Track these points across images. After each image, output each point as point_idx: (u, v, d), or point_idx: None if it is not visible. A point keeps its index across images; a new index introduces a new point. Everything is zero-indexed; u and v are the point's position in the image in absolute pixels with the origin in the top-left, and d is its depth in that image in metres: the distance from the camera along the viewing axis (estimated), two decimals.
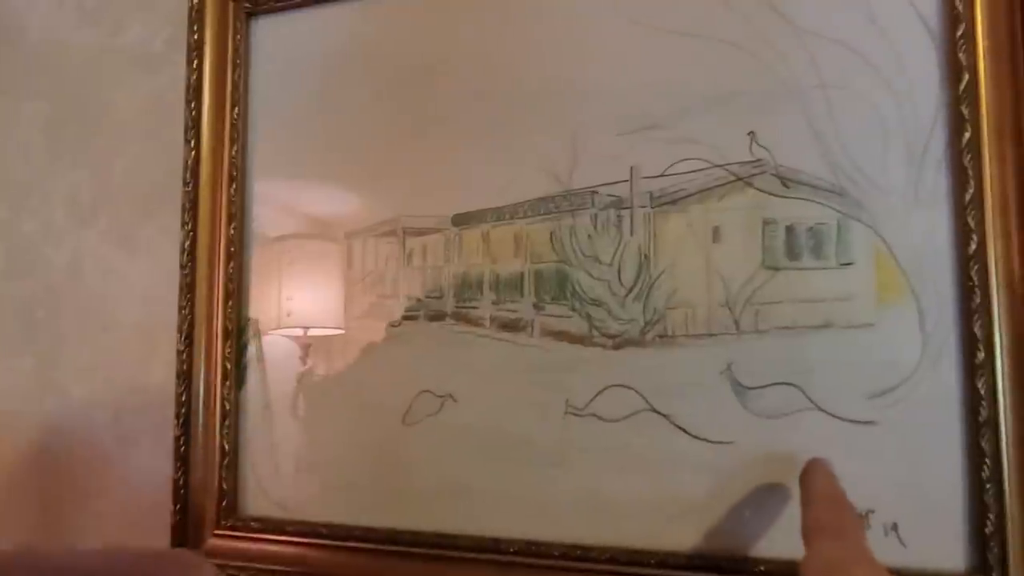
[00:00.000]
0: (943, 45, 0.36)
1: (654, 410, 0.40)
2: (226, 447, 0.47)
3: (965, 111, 0.35)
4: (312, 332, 0.47)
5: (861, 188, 0.37)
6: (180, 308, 0.49)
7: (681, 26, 0.40)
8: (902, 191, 0.36)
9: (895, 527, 0.36)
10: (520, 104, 0.43)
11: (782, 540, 0.37)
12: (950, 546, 0.35)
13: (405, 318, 0.45)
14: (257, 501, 0.47)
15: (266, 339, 0.48)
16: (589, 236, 0.41)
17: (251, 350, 0.48)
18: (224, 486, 0.47)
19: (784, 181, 0.38)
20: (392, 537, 0.43)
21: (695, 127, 0.40)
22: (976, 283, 0.35)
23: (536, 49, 0.43)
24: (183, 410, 0.48)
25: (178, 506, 0.48)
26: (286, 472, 0.46)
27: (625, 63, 0.41)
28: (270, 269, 0.48)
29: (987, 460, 0.34)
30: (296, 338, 0.47)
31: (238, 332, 0.48)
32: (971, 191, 0.35)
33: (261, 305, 0.48)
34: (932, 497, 0.35)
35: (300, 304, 0.48)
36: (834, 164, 0.38)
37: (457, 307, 0.44)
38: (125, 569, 0.32)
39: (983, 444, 0.34)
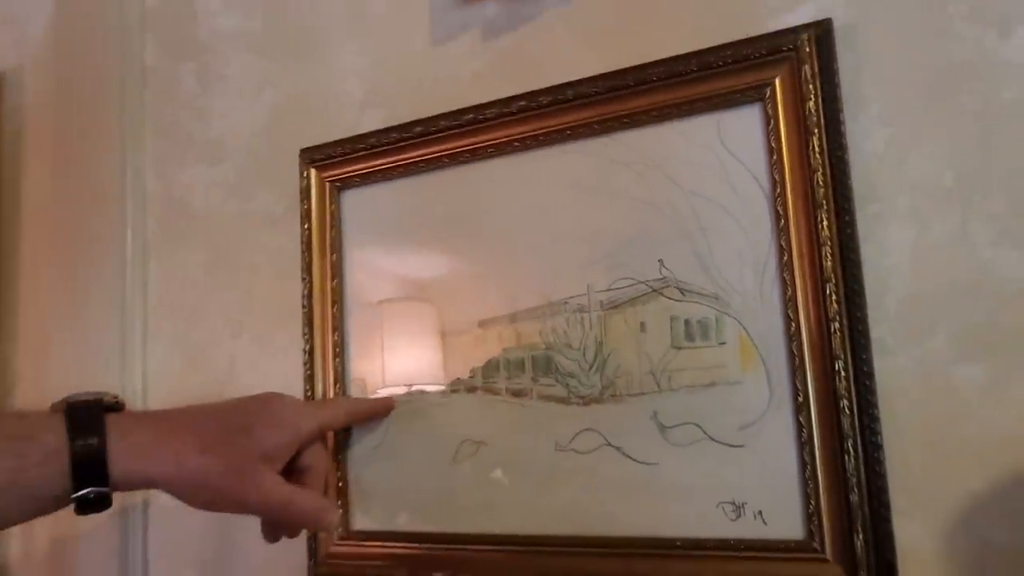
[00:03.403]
0: (770, 199, 0.58)
1: (610, 444, 0.62)
2: (341, 484, 0.72)
3: (783, 243, 0.57)
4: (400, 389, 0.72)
5: (728, 294, 0.59)
6: (304, 393, 0.74)
7: (614, 191, 0.64)
8: (752, 295, 0.58)
9: (760, 513, 0.57)
10: (519, 246, 0.67)
11: (701, 524, 0.59)
12: (793, 523, 0.55)
13: (452, 391, 0.69)
14: (362, 520, 0.72)
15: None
16: (564, 331, 0.65)
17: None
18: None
19: (682, 291, 0.61)
20: (449, 538, 0.67)
21: (626, 257, 0.63)
22: (796, 354, 0.56)
23: (526, 209, 0.67)
24: None
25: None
26: (380, 498, 0.71)
27: (582, 217, 0.65)
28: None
29: (808, 466, 0.55)
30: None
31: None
32: (789, 294, 0.57)
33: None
34: (780, 492, 0.56)
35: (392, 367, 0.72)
36: (712, 279, 0.60)
37: (482, 383, 0.68)
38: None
39: (804, 456, 0.55)
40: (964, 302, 0.54)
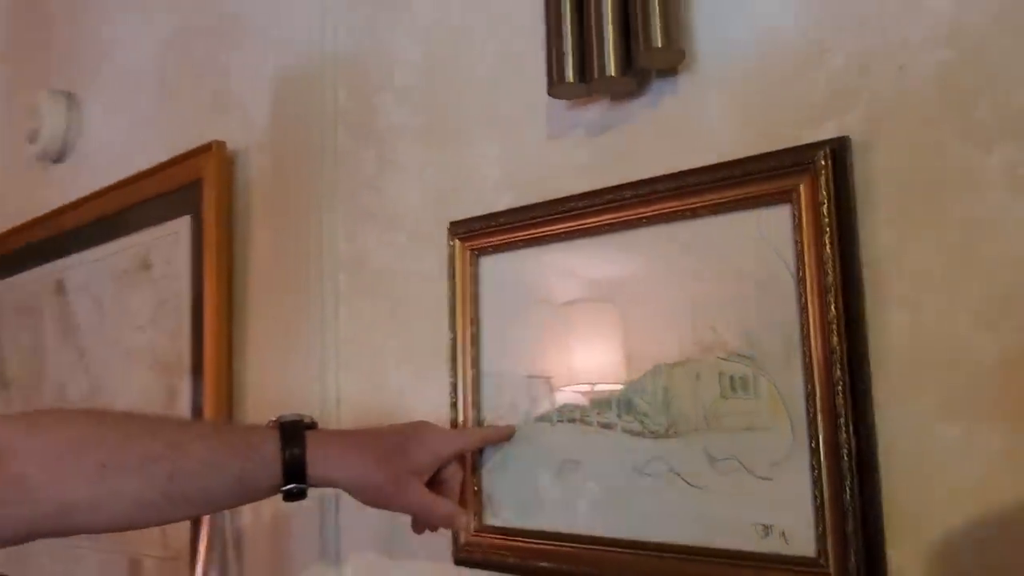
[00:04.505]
0: (795, 282, 0.73)
1: (673, 471, 0.80)
2: (476, 489, 0.94)
3: (803, 319, 0.72)
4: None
5: (763, 357, 0.74)
6: (450, 417, 0.97)
7: (677, 269, 0.81)
8: (781, 360, 0.73)
9: (783, 534, 0.73)
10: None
11: (738, 539, 0.75)
12: (807, 543, 0.71)
13: (559, 421, 0.89)
14: (490, 518, 0.93)
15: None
16: (640, 379, 0.83)
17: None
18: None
19: (728, 352, 0.77)
20: (553, 536, 0.87)
21: (686, 322, 0.80)
22: (811, 409, 0.71)
23: (612, 281, 0.86)
24: None
25: None
26: (503, 502, 0.92)
27: (654, 290, 0.83)
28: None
29: (818, 498, 0.70)
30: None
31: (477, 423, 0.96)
32: (806, 361, 0.71)
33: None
34: (799, 518, 0.71)
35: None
36: (751, 344, 0.75)
37: (580, 417, 0.87)
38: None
39: (816, 491, 0.70)
40: (947, 373, 0.67)
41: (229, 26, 1.37)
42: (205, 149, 1.31)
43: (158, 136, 1.47)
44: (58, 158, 1.74)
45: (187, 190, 1.33)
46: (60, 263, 1.59)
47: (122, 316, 1.44)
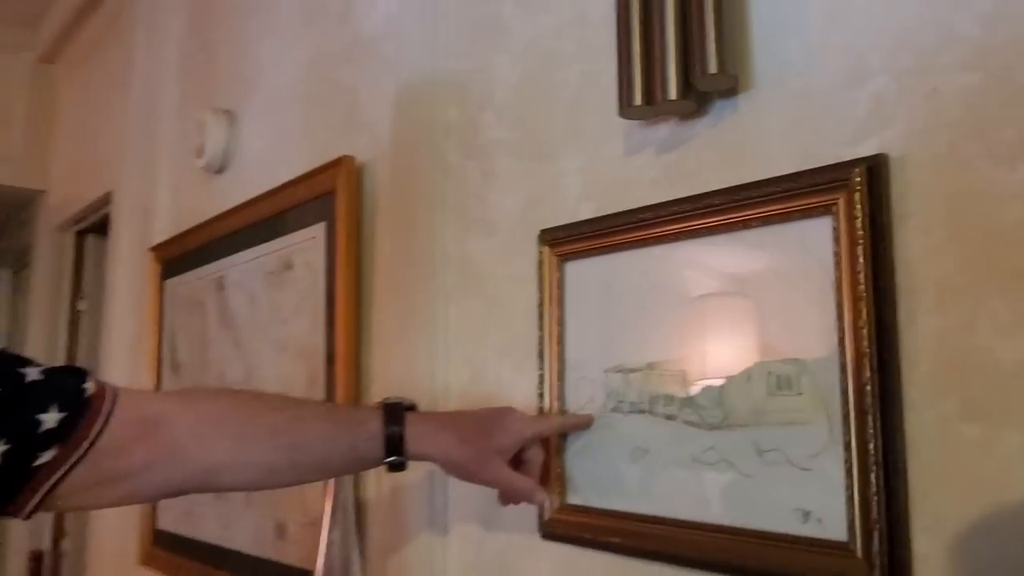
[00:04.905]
0: (834, 290, 0.79)
1: (726, 460, 0.88)
2: (560, 471, 1.05)
3: (839, 324, 0.78)
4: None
5: (806, 358, 0.82)
6: (537, 405, 1.08)
7: (732, 274, 0.89)
8: (821, 361, 0.80)
9: (820, 520, 0.79)
10: (675, 314, 0.95)
11: (781, 523, 0.82)
12: (840, 528, 0.77)
13: (630, 412, 0.99)
14: (572, 497, 1.04)
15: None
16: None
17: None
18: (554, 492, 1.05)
19: (775, 352, 0.84)
20: (623, 515, 0.97)
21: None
22: (846, 405, 0.77)
23: (679, 285, 0.94)
24: None
25: None
26: (583, 483, 1.03)
27: (713, 294, 0.90)
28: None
29: (849, 488, 0.76)
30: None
31: (561, 412, 1.06)
32: (842, 362, 0.78)
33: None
34: (833, 506, 0.78)
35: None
36: (795, 346, 0.82)
37: (648, 408, 0.96)
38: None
39: (847, 481, 0.77)
40: (970, 377, 0.72)
41: (358, 51, 1.53)
42: (337, 163, 1.47)
43: (299, 150, 1.66)
44: (220, 170, 1.97)
45: (323, 199, 1.50)
46: (221, 263, 1.81)
47: (270, 311, 1.64)
